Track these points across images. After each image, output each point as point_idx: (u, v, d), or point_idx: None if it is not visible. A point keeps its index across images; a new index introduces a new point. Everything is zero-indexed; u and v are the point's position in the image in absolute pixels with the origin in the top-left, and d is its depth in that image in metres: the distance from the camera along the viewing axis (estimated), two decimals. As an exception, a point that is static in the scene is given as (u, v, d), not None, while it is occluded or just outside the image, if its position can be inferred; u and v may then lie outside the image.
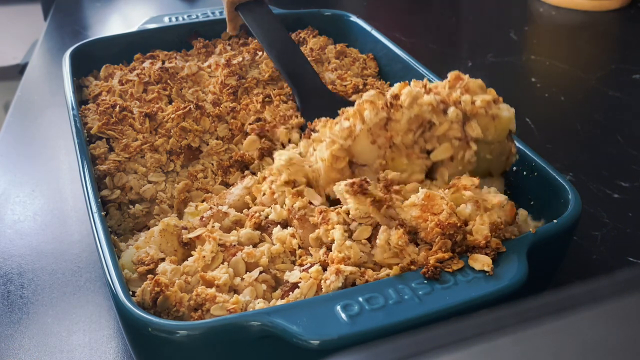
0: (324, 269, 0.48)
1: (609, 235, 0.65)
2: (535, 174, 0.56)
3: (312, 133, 0.59)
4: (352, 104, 0.59)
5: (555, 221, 0.49)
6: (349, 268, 0.47)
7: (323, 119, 0.58)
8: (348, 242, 0.48)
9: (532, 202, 0.57)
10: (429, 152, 0.53)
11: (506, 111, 0.53)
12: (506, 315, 0.21)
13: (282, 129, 0.65)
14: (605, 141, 0.83)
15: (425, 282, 0.44)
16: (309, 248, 0.51)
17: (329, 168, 0.53)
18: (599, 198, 0.71)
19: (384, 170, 0.53)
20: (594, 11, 1.22)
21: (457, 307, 0.42)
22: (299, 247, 0.51)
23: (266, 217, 0.55)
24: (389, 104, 0.52)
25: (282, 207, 0.55)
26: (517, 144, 0.59)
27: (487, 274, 0.45)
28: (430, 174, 0.54)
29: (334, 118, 0.57)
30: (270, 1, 0.95)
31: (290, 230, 0.52)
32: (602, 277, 0.23)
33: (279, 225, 0.53)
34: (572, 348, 0.21)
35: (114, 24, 1.25)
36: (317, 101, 0.70)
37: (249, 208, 0.57)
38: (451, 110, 0.52)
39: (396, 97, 0.53)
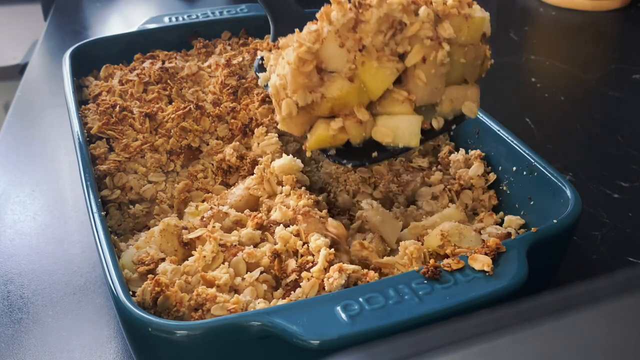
0: (326, 270, 0.48)
1: (609, 235, 0.65)
2: (535, 174, 0.56)
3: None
4: None
5: (555, 221, 0.49)
6: (352, 266, 0.47)
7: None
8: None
9: (532, 202, 0.57)
10: (400, 57, 0.52)
11: (480, 12, 0.52)
12: (506, 315, 0.21)
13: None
14: (605, 141, 0.83)
15: (425, 282, 0.44)
16: (311, 249, 0.51)
17: (296, 71, 0.50)
18: (599, 198, 0.71)
19: (354, 73, 0.51)
20: (593, 11, 1.21)
21: (457, 307, 0.42)
22: (302, 246, 0.51)
23: (269, 217, 0.55)
24: (357, 4, 0.50)
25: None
26: (518, 144, 0.59)
27: (487, 273, 0.45)
28: (402, 80, 0.53)
29: None
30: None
31: (293, 228, 0.52)
32: (602, 277, 0.23)
33: (281, 225, 0.53)
34: (572, 348, 0.21)
35: (114, 24, 1.25)
36: (292, 23, 0.67)
37: (251, 209, 0.57)
38: (422, 10, 0.50)
39: None
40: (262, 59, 0.64)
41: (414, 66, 0.51)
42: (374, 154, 0.54)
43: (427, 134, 0.53)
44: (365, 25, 0.50)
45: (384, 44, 0.51)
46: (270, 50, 0.65)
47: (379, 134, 0.53)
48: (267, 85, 0.60)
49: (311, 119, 0.54)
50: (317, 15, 0.51)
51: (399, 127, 0.53)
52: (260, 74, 0.62)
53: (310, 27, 0.51)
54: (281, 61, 0.54)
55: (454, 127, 0.55)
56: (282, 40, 0.55)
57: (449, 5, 0.51)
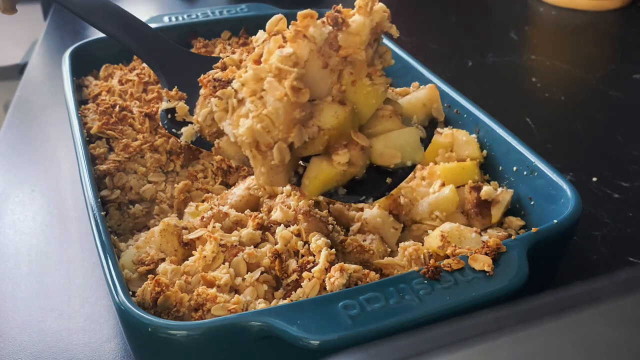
0: (327, 270, 0.48)
1: (609, 235, 0.65)
2: (536, 174, 0.56)
3: (226, 84, 0.46)
4: (216, 60, 0.49)
5: (555, 221, 0.49)
6: (353, 266, 0.47)
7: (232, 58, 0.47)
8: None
9: (532, 202, 0.57)
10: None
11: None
12: (506, 316, 0.21)
13: None
14: (605, 141, 0.83)
15: (426, 282, 0.44)
16: (312, 249, 0.51)
17: (290, 105, 0.42)
18: (599, 198, 0.71)
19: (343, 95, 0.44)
20: (594, 11, 1.21)
21: (457, 307, 0.42)
22: (303, 246, 0.51)
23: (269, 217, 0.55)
24: (338, 19, 0.43)
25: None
26: (518, 144, 0.59)
27: (488, 273, 0.44)
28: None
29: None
30: (271, 1, 0.95)
31: (294, 228, 0.52)
32: (602, 277, 0.23)
33: (282, 225, 0.53)
34: (572, 348, 0.21)
35: (114, 23, 1.25)
36: (184, 67, 0.58)
37: (251, 209, 0.57)
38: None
39: (339, 11, 0.44)
40: (170, 111, 0.52)
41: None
42: (388, 180, 0.47)
43: None
44: (354, 38, 0.43)
45: (373, 58, 0.45)
46: (182, 99, 0.53)
47: (385, 157, 0.47)
48: (195, 140, 0.51)
49: (295, 162, 0.46)
50: (289, 36, 0.43)
51: (401, 144, 0.47)
52: (182, 130, 0.50)
53: (282, 51, 0.42)
54: (236, 104, 0.45)
55: (435, 131, 0.51)
56: (244, 76, 0.44)
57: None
